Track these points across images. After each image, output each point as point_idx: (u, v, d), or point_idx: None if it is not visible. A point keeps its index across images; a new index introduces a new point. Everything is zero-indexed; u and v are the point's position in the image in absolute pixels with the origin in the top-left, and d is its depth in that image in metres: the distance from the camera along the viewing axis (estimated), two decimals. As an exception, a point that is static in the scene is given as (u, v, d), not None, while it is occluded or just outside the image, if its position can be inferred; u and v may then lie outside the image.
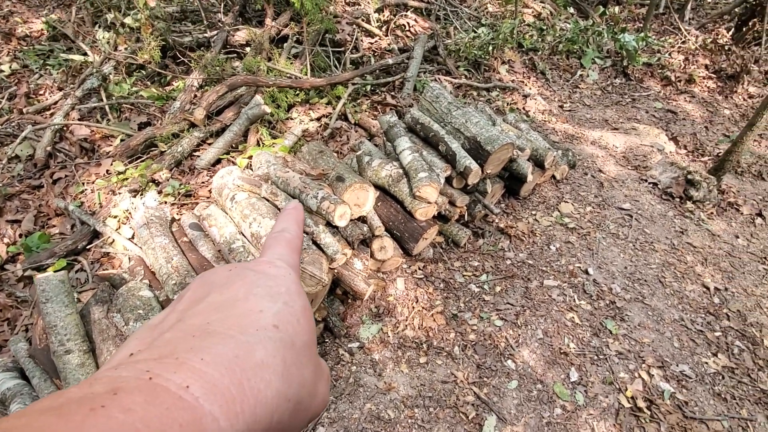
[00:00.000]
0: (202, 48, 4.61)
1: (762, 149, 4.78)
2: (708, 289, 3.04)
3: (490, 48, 5.23)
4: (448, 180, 3.02)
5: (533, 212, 3.57)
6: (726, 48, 6.03)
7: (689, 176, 3.82)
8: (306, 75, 4.26)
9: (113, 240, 2.83)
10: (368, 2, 5.50)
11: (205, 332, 0.30)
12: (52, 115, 3.86)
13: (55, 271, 2.41)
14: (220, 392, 0.26)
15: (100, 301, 1.91)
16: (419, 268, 3.02)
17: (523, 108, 4.95)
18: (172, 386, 0.25)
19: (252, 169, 2.77)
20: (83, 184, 3.27)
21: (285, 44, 4.66)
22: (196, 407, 0.25)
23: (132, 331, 1.78)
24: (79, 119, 3.76)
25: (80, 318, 1.83)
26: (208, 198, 3.12)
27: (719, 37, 6.27)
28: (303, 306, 0.36)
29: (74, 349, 1.74)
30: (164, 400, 0.24)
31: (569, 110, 5.19)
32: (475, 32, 5.51)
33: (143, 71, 4.29)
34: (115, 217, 2.92)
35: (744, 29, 6.23)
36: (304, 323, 0.35)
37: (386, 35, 5.37)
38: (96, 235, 2.93)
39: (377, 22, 5.47)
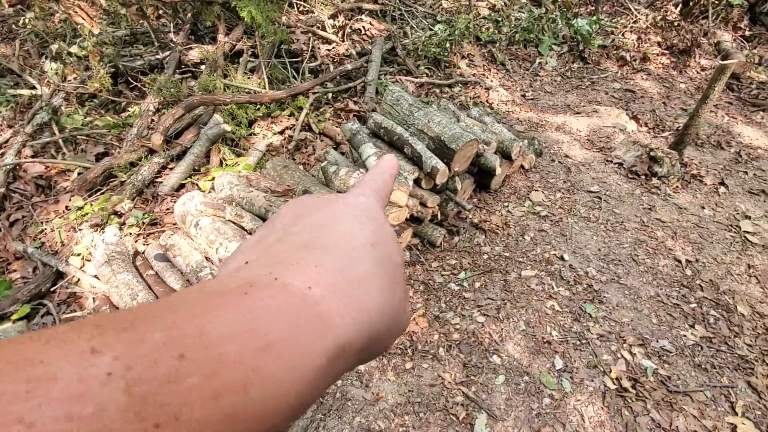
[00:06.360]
0: (155, 70, 4.49)
1: (718, 119, 4.92)
2: (680, 262, 3.10)
3: (448, 44, 5.25)
4: (417, 182, 3.01)
5: (505, 204, 3.60)
6: (675, 24, 6.20)
7: (652, 153, 3.90)
8: (264, 88, 4.19)
9: (78, 279, 2.72)
10: (321, 9, 5.46)
11: (309, 246, 0.31)
12: (2, 154, 3.70)
13: (16, 320, 2.31)
14: (337, 296, 0.28)
15: (64, 348, 1.82)
16: (397, 273, 3.00)
17: (487, 101, 4.99)
18: (297, 286, 0.26)
19: (216, 192, 2.70)
20: (42, 223, 3.14)
21: (240, 59, 4.58)
22: (321, 305, 0.26)
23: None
24: (32, 156, 3.61)
25: (44, 368, 1.75)
26: (174, 225, 3.04)
27: (668, 13, 6.44)
28: (391, 231, 0.38)
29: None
30: (295, 296, 0.26)
31: (531, 99, 5.25)
32: (432, 30, 5.53)
33: (95, 100, 4.15)
34: (78, 254, 2.81)
35: (691, 4, 6.42)
36: (395, 245, 0.37)
37: (343, 41, 5.34)
38: (60, 275, 2.82)
39: (332, 28, 5.44)
